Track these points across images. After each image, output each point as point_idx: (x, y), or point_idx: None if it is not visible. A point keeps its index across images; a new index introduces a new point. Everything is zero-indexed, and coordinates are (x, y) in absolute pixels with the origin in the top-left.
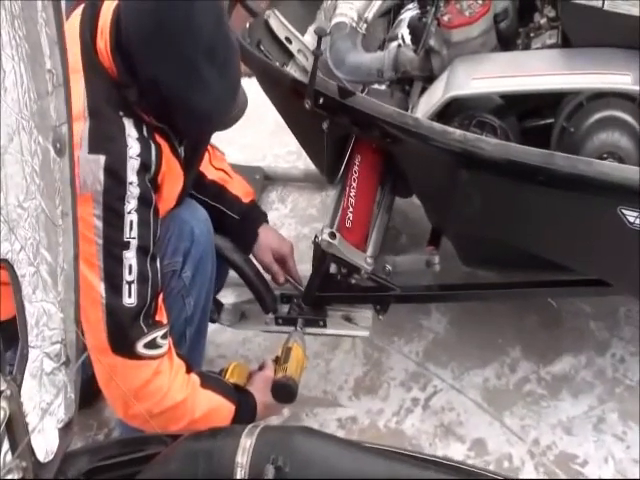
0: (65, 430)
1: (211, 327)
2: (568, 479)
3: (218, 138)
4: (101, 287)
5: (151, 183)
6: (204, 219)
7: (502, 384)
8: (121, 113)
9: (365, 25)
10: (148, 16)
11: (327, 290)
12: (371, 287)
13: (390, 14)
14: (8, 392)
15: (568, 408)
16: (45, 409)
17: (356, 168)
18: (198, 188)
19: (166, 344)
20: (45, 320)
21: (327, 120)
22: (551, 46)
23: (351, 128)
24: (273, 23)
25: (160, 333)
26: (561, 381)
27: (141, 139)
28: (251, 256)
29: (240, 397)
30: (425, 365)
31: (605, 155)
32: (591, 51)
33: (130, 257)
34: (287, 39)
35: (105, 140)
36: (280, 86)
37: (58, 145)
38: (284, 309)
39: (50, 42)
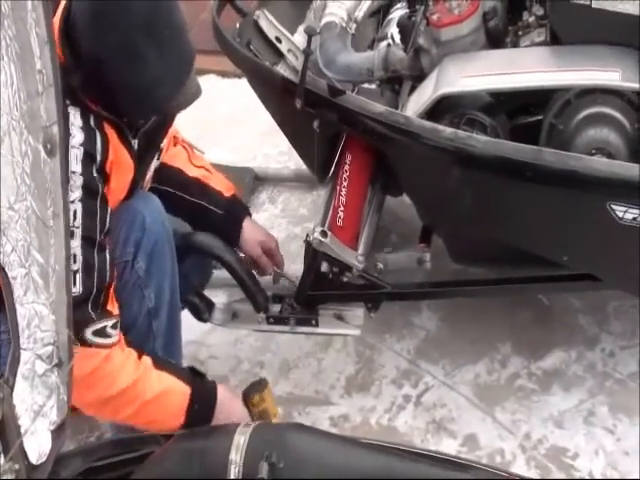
0: (58, 432)
1: (202, 328)
2: (561, 479)
3: (208, 139)
4: None
5: (98, 173)
6: (157, 209)
7: (493, 380)
8: (67, 102)
9: (355, 25)
10: None
11: (319, 289)
12: (363, 285)
13: (379, 13)
14: (0, 394)
15: (559, 402)
16: (37, 411)
17: (347, 167)
18: (180, 186)
19: (116, 334)
20: (37, 322)
21: (317, 119)
22: (540, 44)
23: (342, 127)
24: (263, 23)
25: (110, 323)
26: (552, 376)
27: (85, 128)
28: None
29: (196, 380)
30: (416, 362)
31: (594, 151)
32: (579, 48)
33: (74, 246)
34: (277, 39)
35: None
36: (270, 86)
37: (49, 146)
38: (276, 308)
39: (40, 42)
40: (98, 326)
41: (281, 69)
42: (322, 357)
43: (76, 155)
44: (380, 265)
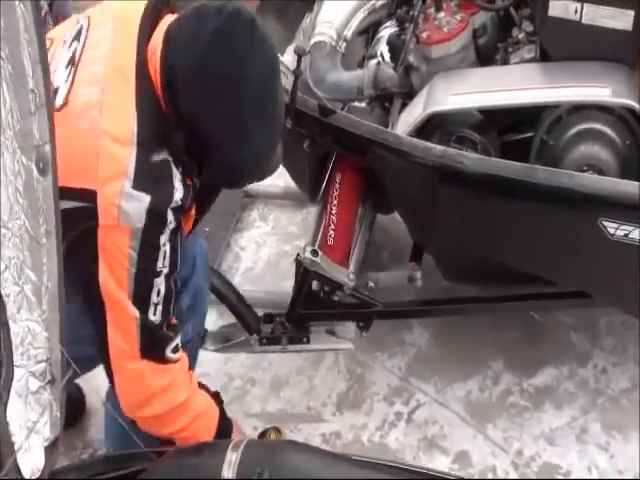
0: (51, 448)
1: None
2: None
3: None
4: (129, 305)
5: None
6: (205, 253)
7: (485, 397)
8: (166, 150)
9: (344, 43)
10: (196, 59)
11: (310, 307)
12: (354, 304)
13: (369, 32)
14: None
15: (551, 419)
16: (31, 428)
17: (337, 186)
18: None
19: (180, 349)
20: (30, 339)
21: (308, 139)
22: (529, 60)
23: (332, 146)
24: None
25: (179, 338)
26: (544, 393)
27: (182, 180)
28: None
29: (222, 406)
30: (408, 379)
31: (585, 167)
32: (569, 65)
33: (160, 283)
34: None
35: (153, 180)
36: None
37: (41, 165)
38: (267, 328)
39: (32, 62)
40: (173, 344)
41: None
42: (313, 374)
43: (174, 207)
44: (371, 283)
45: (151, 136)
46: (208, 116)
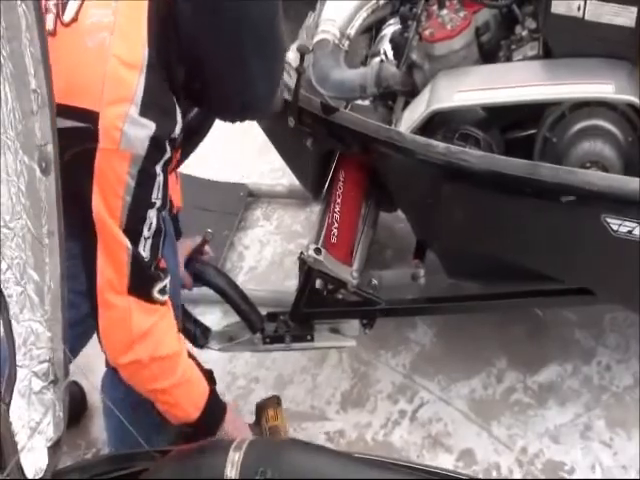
0: (54, 448)
1: None
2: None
3: (202, 155)
4: (120, 234)
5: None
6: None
7: (489, 394)
8: (171, 81)
9: (347, 42)
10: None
11: (313, 306)
12: (357, 302)
13: (372, 30)
14: None
15: (555, 416)
16: (34, 428)
17: (340, 184)
18: None
19: (168, 293)
20: (33, 339)
21: (311, 137)
22: (533, 57)
23: (335, 144)
24: None
25: (167, 281)
26: (547, 390)
27: (181, 114)
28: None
29: (214, 387)
30: (412, 377)
31: (588, 164)
32: (572, 61)
33: (152, 216)
34: None
35: (159, 109)
36: None
37: (43, 164)
38: (271, 327)
39: (34, 62)
40: (162, 284)
41: None
42: (317, 373)
43: (172, 138)
44: (374, 281)
45: (160, 64)
46: (212, 52)
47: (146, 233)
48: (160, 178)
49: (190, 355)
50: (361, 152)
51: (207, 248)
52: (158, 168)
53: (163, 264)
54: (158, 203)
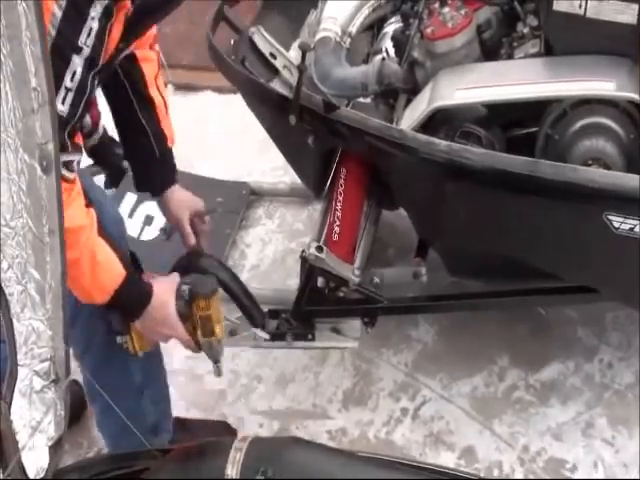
0: (55, 447)
1: None
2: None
3: (204, 154)
4: None
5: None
6: (109, 201)
7: (491, 392)
8: None
9: (349, 39)
10: None
11: (315, 304)
12: (359, 300)
13: (374, 28)
14: None
15: (557, 414)
16: (35, 427)
17: (342, 182)
18: (136, 94)
19: (75, 173)
20: (34, 338)
21: (312, 135)
22: (534, 55)
23: (337, 142)
24: (258, 39)
25: (77, 158)
26: (549, 388)
27: None
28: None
29: (132, 270)
30: (414, 375)
31: (590, 162)
32: (574, 59)
33: (77, 64)
34: (272, 55)
35: None
36: (265, 102)
37: (44, 163)
38: (272, 324)
39: (35, 60)
40: (69, 158)
41: (276, 85)
42: (319, 371)
43: None
44: (376, 279)
45: None
46: None
47: (68, 83)
48: (94, 25)
49: (103, 233)
50: (363, 150)
51: (207, 218)
52: (93, 12)
53: (80, 139)
54: (85, 52)
